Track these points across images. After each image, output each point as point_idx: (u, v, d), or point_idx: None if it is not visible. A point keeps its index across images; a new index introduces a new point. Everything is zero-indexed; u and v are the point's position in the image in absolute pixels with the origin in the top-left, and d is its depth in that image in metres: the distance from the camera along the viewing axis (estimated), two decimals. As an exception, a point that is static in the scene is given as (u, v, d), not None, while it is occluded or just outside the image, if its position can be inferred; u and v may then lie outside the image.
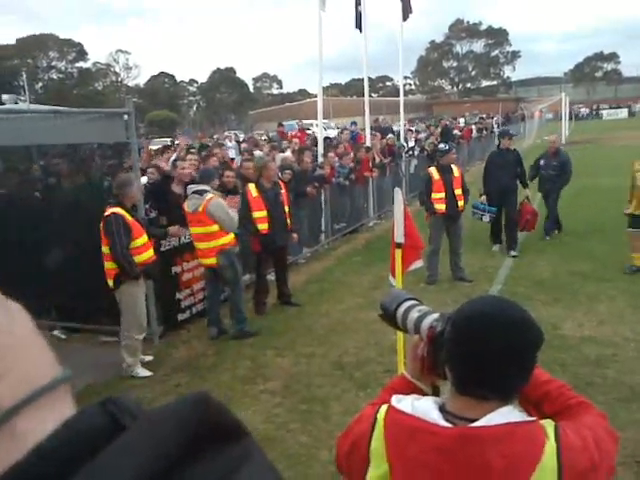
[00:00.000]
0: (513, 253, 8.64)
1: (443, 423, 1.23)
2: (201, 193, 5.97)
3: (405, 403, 1.31)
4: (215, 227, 5.92)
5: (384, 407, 1.35)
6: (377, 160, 12.39)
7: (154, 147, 14.72)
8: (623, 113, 58.62)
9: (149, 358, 5.70)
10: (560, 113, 35.29)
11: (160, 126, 50.47)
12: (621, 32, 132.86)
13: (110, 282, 5.30)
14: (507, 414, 1.21)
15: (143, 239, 5.37)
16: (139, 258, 5.29)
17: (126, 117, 5.91)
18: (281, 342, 5.92)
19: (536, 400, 1.40)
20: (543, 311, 6.25)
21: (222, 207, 5.91)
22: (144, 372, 5.37)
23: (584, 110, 61.09)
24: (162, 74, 77.46)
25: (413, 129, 21.01)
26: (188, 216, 6.04)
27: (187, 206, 6.02)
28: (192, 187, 6.14)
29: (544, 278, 7.42)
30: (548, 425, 1.21)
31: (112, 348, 5.72)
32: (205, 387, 5.01)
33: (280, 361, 5.46)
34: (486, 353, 1.22)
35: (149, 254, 5.43)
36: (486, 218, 8.70)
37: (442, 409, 1.27)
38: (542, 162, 9.57)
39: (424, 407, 1.28)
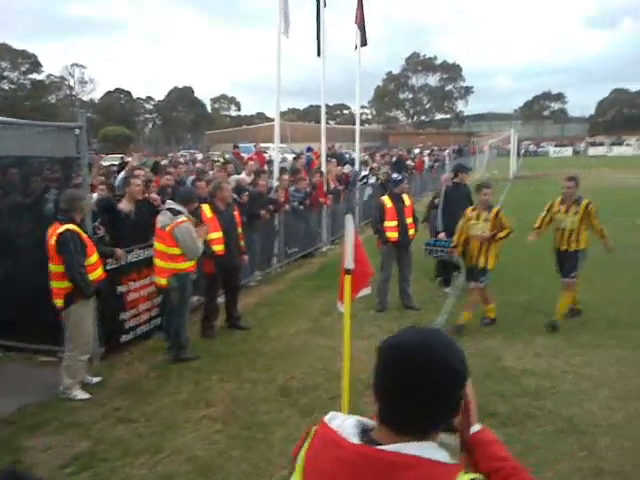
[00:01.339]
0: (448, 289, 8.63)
1: (353, 440, 1.24)
2: (174, 213, 5.90)
3: (337, 421, 1.32)
4: (176, 250, 5.85)
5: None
6: (332, 186, 12.51)
7: (106, 163, 14.47)
8: (568, 151, 61.26)
9: (97, 379, 5.51)
10: (509, 148, 36.52)
11: (114, 142, 49.60)
12: (569, 73, 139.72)
13: (59, 302, 5.11)
14: (422, 448, 1.20)
15: (95, 257, 5.26)
16: (92, 276, 5.17)
17: (78, 131, 5.79)
18: (226, 366, 5.84)
19: (486, 472, 1.39)
20: (485, 342, 6.40)
21: (189, 233, 5.84)
22: (82, 394, 5.18)
23: (532, 147, 63.53)
24: (118, 90, 76.39)
25: (367, 157, 21.34)
26: (156, 230, 5.97)
27: (158, 220, 5.97)
28: (169, 203, 6.10)
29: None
30: (466, 476, 1.19)
31: (52, 368, 5.53)
32: (146, 411, 4.87)
33: (224, 386, 5.37)
34: (400, 386, 1.22)
35: (100, 272, 5.33)
36: (445, 255, 8.05)
37: (365, 432, 1.27)
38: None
39: (348, 425, 1.29)
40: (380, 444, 1.23)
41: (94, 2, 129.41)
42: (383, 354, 1.28)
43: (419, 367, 1.21)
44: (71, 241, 4.99)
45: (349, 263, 5.08)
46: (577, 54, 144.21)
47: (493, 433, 1.47)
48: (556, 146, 64.71)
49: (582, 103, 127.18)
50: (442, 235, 8.44)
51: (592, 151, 60.29)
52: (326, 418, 1.35)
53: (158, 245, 5.98)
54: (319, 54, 12.18)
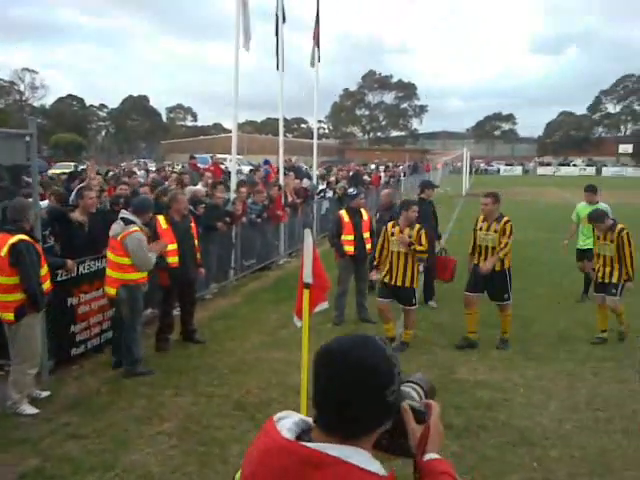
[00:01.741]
0: (432, 304, 8.65)
1: (286, 434, 1.29)
2: (127, 222, 5.78)
3: (284, 419, 1.36)
4: (127, 260, 5.74)
5: None
6: (290, 199, 12.53)
7: (57, 171, 14.09)
8: (518, 170, 63.29)
9: (45, 393, 5.31)
10: (462, 166, 37.44)
11: (65, 150, 48.31)
12: (518, 96, 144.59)
13: (9, 316, 4.87)
14: (343, 450, 1.23)
15: (45, 268, 5.09)
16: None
17: (28, 138, 5.61)
18: (181, 381, 5.71)
19: None
20: (441, 355, 6.50)
21: (140, 244, 5.73)
22: (31, 409, 4.98)
23: (483, 165, 65.35)
24: (70, 96, 74.64)
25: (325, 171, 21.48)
26: (110, 239, 5.86)
27: (111, 229, 5.85)
28: (124, 213, 5.98)
29: (443, 322, 7.70)
30: None
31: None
32: (97, 427, 4.72)
33: (178, 401, 5.25)
34: (324, 388, 1.28)
35: (48, 284, 5.14)
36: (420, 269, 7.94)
37: (305, 432, 1.32)
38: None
39: (289, 422, 1.33)
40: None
41: (47, 6, 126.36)
42: (314, 359, 1.34)
43: (339, 369, 1.26)
44: (27, 252, 4.81)
45: (308, 277, 5.11)
46: (526, 78, 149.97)
47: (449, 466, 1.45)
48: (506, 165, 66.74)
49: (531, 124, 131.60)
50: None
51: (541, 170, 62.48)
52: (276, 416, 1.38)
53: (109, 254, 5.87)
54: (278, 68, 12.23)
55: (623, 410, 5.04)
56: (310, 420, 1.34)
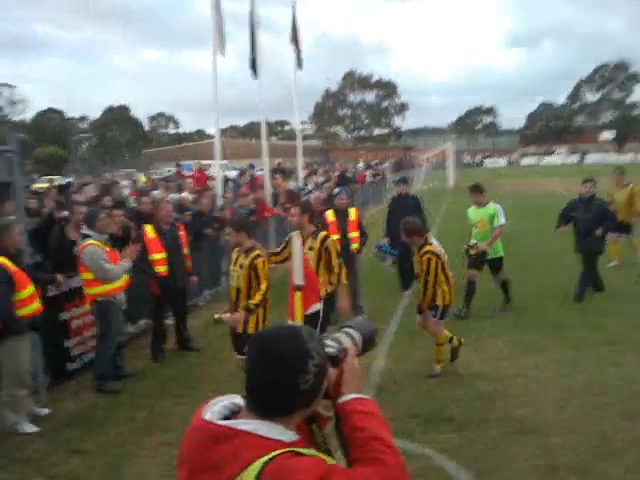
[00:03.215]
0: (408, 293, 8.92)
1: (206, 416, 1.39)
2: (84, 237, 5.74)
3: (217, 402, 1.46)
4: (88, 275, 5.70)
5: None
6: (282, 200, 12.49)
7: (43, 185, 13.97)
8: (502, 162, 63.73)
9: (45, 411, 5.26)
10: (446, 161, 37.59)
11: (48, 164, 47.83)
12: (498, 89, 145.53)
13: None
14: (254, 424, 1.34)
15: (29, 290, 4.93)
16: (25, 310, 4.86)
17: (10, 155, 5.53)
18: (179, 390, 5.68)
19: (346, 443, 1.45)
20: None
21: (94, 256, 5.62)
22: (30, 428, 4.94)
23: (468, 158, 65.70)
24: (50, 110, 73.96)
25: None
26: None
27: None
28: (83, 229, 5.92)
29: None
30: (279, 451, 1.28)
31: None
32: (98, 441, 4.68)
33: (179, 410, 5.21)
34: (248, 372, 1.40)
35: (36, 306, 5.00)
36: (388, 261, 8.60)
37: (234, 412, 1.42)
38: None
39: (218, 404, 1.44)
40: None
41: (22, 22, 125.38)
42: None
43: (257, 356, 1.40)
44: None
45: (299, 280, 5.10)
46: (505, 71, 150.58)
47: (368, 403, 1.48)
48: (486, 157, 67.26)
49: (512, 117, 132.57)
50: (386, 240, 8.84)
51: (525, 161, 62.94)
52: (212, 400, 1.47)
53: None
54: (253, 72, 12.09)
55: (621, 393, 5.08)
56: (241, 403, 1.45)
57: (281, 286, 6.49)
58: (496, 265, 7.89)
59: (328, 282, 5.65)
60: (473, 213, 8.02)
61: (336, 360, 1.54)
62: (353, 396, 1.50)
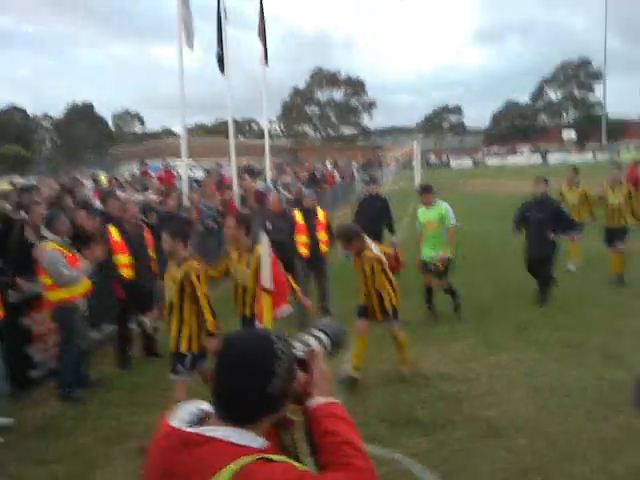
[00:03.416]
0: None
1: (174, 423, 1.38)
2: (42, 239, 5.60)
3: (182, 410, 1.44)
4: (47, 279, 5.54)
5: None
6: (250, 202, 12.43)
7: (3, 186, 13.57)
8: (468, 163, 64.48)
9: (8, 420, 5.13)
10: (412, 161, 37.88)
11: (11, 164, 46.59)
12: (463, 87, 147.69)
13: None
14: (223, 431, 1.32)
15: None
16: None
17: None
18: (147, 398, 5.59)
19: (316, 447, 1.45)
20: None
21: (50, 259, 5.47)
22: (-8, 438, 4.80)
23: (434, 158, 66.32)
24: (12, 108, 72.07)
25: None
26: None
27: None
28: (42, 230, 5.77)
29: (403, 318, 7.72)
30: (249, 458, 1.26)
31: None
32: (64, 451, 4.58)
33: (147, 418, 5.11)
34: (215, 378, 1.39)
35: None
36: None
37: (201, 419, 1.40)
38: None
39: (185, 411, 1.43)
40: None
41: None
42: None
43: (223, 361, 1.39)
44: None
45: (267, 282, 5.06)
46: (470, 68, 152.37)
47: (337, 407, 1.49)
48: (456, 158, 68.02)
49: (478, 115, 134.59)
50: None
51: (490, 161, 63.86)
52: (178, 406, 1.46)
53: None
54: (220, 69, 11.88)
55: (586, 394, 5.17)
56: (209, 409, 1.43)
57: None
58: (444, 269, 7.65)
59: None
60: (422, 214, 7.85)
61: (304, 363, 1.53)
62: (323, 400, 1.50)
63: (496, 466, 4.10)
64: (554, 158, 56.12)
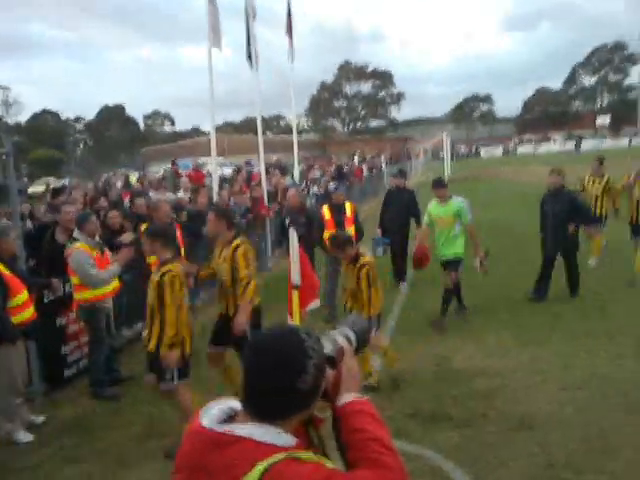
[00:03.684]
0: (403, 285, 9.14)
1: (204, 421, 1.38)
2: (73, 240, 5.70)
3: (212, 408, 1.43)
4: (76, 279, 5.63)
5: None
6: (279, 198, 12.46)
7: (39, 188, 13.93)
8: (498, 151, 63.40)
9: (41, 418, 5.24)
10: (442, 152, 37.45)
11: (45, 166, 47.75)
12: (494, 75, 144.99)
13: None
14: (252, 429, 1.32)
15: (23, 296, 4.91)
16: (19, 318, 4.83)
17: (4, 157, 5.50)
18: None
19: (345, 445, 1.44)
20: (436, 345, 6.48)
21: (78, 260, 5.53)
22: (26, 437, 4.92)
23: (464, 149, 65.39)
24: (45, 111, 73.84)
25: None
26: None
27: None
28: (74, 232, 5.87)
29: (436, 312, 7.53)
30: (278, 456, 1.27)
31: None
32: (96, 448, 4.67)
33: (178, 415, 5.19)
34: (245, 375, 1.39)
35: (29, 312, 4.97)
36: (379, 252, 8.75)
37: (231, 417, 1.40)
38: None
39: (214, 409, 1.42)
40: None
41: (14, 21, 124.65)
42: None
43: (253, 358, 1.38)
44: None
45: (296, 279, 5.07)
46: (501, 56, 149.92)
47: (366, 404, 1.48)
48: (486, 146, 66.95)
49: (509, 104, 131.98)
50: (378, 231, 9.17)
51: (521, 149, 62.67)
52: (207, 404, 1.45)
53: None
54: (251, 66, 11.98)
55: (618, 387, 5.04)
56: (238, 406, 1.43)
57: (282, 283, 6.45)
58: (455, 266, 7.26)
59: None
60: (434, 208, 7.46)
61: (333, 360, 1.53)
62: (351, 397, 1.50)
63: (528, 461, 4.02)
64: (587, 145, 54.73)
